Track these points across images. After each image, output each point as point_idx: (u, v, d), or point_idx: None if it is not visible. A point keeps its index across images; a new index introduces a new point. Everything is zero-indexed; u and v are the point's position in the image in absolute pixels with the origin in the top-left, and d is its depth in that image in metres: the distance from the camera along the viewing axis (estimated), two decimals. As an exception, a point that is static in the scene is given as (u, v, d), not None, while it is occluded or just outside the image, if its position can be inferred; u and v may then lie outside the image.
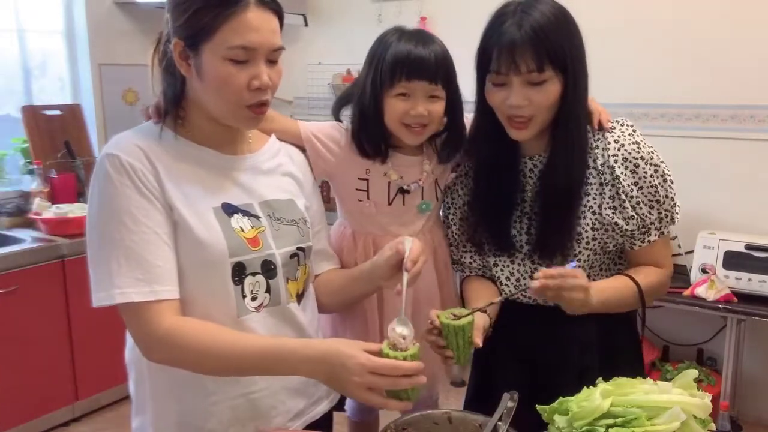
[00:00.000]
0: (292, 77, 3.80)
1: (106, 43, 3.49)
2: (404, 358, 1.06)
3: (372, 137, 1.42)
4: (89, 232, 1.13)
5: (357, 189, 1.47)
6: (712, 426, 1.04)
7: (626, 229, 1.34)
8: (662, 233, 1.38)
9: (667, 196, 1.35)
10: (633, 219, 1.33)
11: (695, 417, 1.00)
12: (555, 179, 1.33)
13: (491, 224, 1.41)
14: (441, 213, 1.55)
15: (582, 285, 1.21)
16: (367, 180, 1.46)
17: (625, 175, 1.32)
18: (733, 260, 2.66)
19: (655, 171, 1.33)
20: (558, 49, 1.23)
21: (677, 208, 1.37)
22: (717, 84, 2.88)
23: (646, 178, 1.32)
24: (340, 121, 1.50)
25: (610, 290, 1.32)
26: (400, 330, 1.12)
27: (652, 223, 1.35)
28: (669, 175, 1.35)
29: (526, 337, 1.43)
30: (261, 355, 1.10)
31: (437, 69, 1.35)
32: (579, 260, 1.36)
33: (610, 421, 0.99)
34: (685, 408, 0.99)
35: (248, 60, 1.12)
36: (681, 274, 2.86)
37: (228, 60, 1.10)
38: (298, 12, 3.77)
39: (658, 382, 1.07)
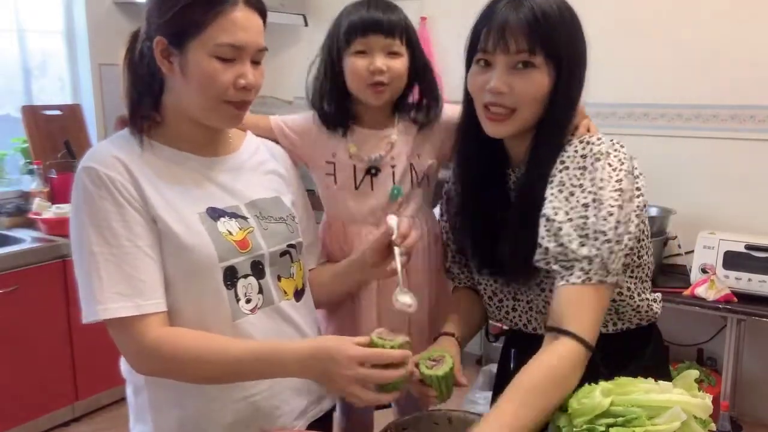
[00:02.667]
0: (292, 77, 3.79)
1: (106, 43, 3.49)
2: (392, 348, 1.07)
3: (333, 104, 1.43)
4: (72, 247, 1.12)
5: (326, 174, 1.47)
6: (713, 426, 1.04)
7: (542, 255, 1.12)
8: (589, 278, 1.07)
9: (600, 232, 1.08)
10: (551, 244, 1.11)
11: (695, 417, 1.00)
12: (529, 192, 1.18)
13: (475, 241, 1.31)
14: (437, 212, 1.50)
15: None
16: (333, 164, 1.45)
17: (557, 197, 1.13)
18: (733, 260, 2.66)
19: (593, 200, 1.09)
20: (554, 36, 1.13)
21: (613, 252, 1.08)
22: (717, 84, 2.88)
23: (577, 207, 1.10)
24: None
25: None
26: (403, 299, 1.13)
27: (577, 260, 1.08)
28: (610, 208, 1.08)
29: (528, 353, 1.22)
30: (252, 359, 1.10)
31: (393, 26, 1.37)
32: (543, 290, 1.23)
33: (611, 421, 0.99)
34: (686, 408, 0.99)
35: (235, 59, 1.11)
36: (681, 274, 2.86)
37: (215, 57, 1.10)
38: (298, 12, 3.77)
39: (659, 382, 1.07)
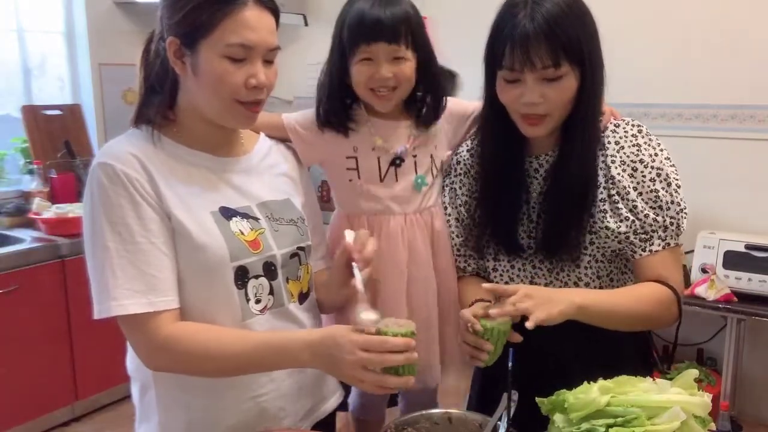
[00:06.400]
0: (292, 77, 3.80)
1: (106, 43, 3.49)
2: (397, 335, 1.05)
3: (334, 105, 1.40)
4: (86, 243, 1.12)
5: (347, 168, 1.44)
6: (712, 426, 1.04)
7: (619, 232, 1.25)
8: (668, 244, 1.26)
9: (672, 202, 1.26)
10: (627, 221, 1.25)
11: (695, 416, 1.00)
12: (567, 176, 1.26)
13: (497, 227, 1.35)
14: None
15: (524, 293, 1.13)
16: (355, 158, 1.43)
17: (622, 177, 1.25)
18: (733, 260, 2.67)
19: (657, 175, 1.25)
20: (574, 41, 1.17)
21: (684, 216, 1.27)
22: (717, 84, 2.88)
23: (644, 182, 1.25)
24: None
25: (602, 295, 1.23)
26: (366, 316, 1.10)
27: (654, 231, 1.26)
28: (676, 180, 1.26)
29: (527, 353, 1.22)
30: (263, 349, 1.10)
31: (397, 29, 1.31)
32: (579, 266, 1.31)
33: (610, 421, 0.99)
34: (685, 407, 0.99)
35: (246, 58, 1.11)
36: (681, 274, 2.87)
37: (225, 57, 1.10)
38: (298, 12, 3.78)
39: (657, 380, 1.07)
